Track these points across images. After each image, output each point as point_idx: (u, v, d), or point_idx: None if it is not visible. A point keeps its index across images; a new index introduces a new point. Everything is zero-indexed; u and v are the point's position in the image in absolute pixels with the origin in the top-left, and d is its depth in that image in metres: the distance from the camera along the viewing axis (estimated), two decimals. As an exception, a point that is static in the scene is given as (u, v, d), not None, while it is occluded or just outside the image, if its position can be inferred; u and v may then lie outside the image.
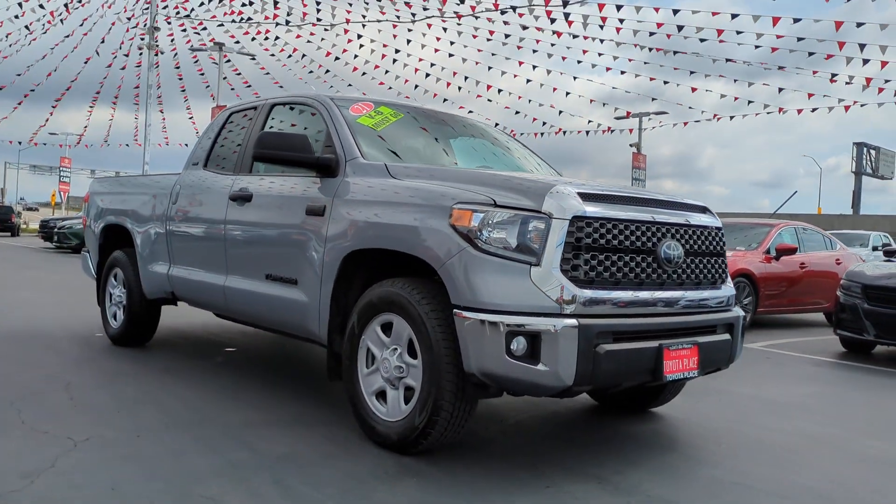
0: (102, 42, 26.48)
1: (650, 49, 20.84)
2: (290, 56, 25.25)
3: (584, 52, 21.61)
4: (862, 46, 16.71)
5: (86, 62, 26.78)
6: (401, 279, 3.64)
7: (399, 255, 3.68)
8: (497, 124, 5.62)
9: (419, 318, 3.42)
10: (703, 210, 4.03)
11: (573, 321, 3.18)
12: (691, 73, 21.32)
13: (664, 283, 3.61)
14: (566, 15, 18.67)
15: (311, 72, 25.42)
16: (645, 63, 21.76)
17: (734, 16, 18.02)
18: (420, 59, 23.42)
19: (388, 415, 3.62)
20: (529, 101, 26.35)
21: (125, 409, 4.16)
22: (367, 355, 3.78)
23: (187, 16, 25.87)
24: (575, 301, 3.23)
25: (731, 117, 27.84)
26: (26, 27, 24.53)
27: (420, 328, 3.41)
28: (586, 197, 3.42)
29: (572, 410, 4.61)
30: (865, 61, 16.76)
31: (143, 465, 3.25)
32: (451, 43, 24.60)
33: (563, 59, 33.63)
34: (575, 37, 21.07)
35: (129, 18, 26.16)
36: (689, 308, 3.72)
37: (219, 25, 25.91)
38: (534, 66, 24.43)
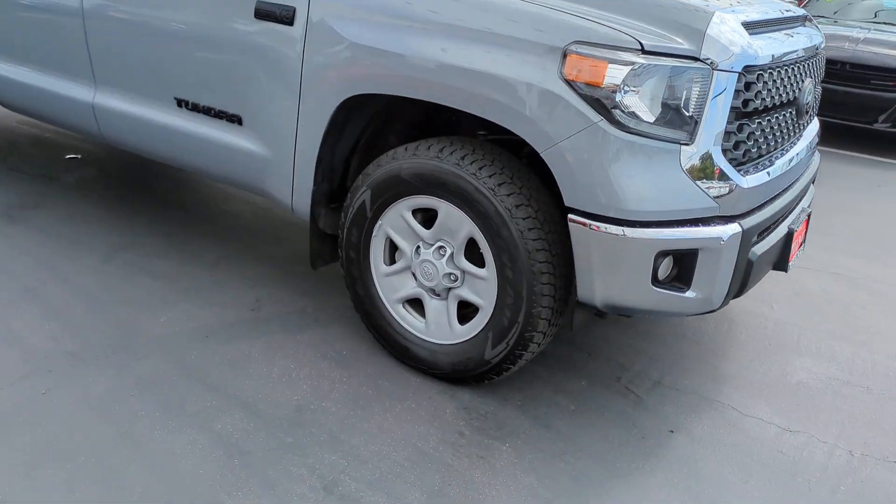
0: None
1: None
2: None
3: None
4: None
5: None
6: (450, 142, 2.39)
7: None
8: None
9: (497, 215, 2.27)
10: (807, 19, 3.01)
11: (735, 226, 2.23)
12: None
13: (792, 141, 2.70)
14: None
15: None
16: None
17: None
18: None
19: (430, 334, 2.59)
20: None
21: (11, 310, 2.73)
22: (386, 247, 2.62)
23: None
24: (736, 194, 2.24)
25: None
26: None
27: (497, 230, 2.29)
28: (750, 28, 2.29)
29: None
30: None
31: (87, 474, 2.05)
32: None
33: None
34: None
35: None
36: (804, 164, 2.86)
37: None
38: None
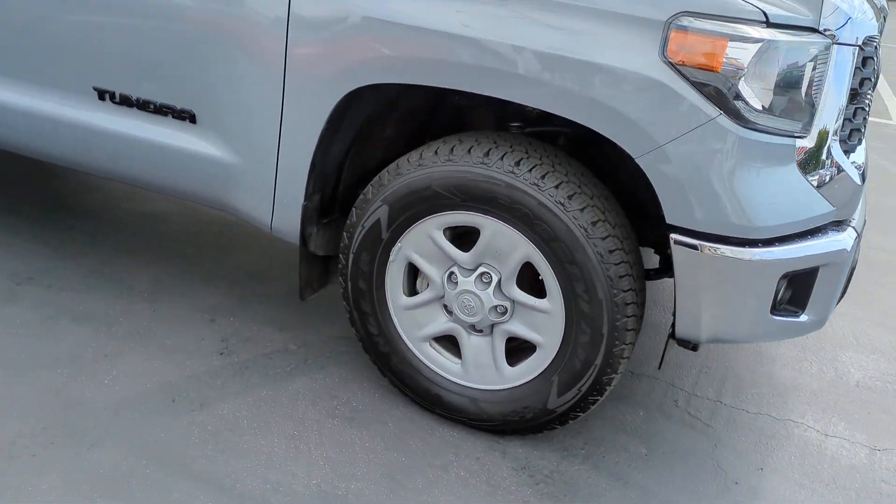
0: None
1: None
2: None
3: None
4: None
5: None
6: (495, 143, 1.86)
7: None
8: None
9: (569, 236, 1.79)
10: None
11: (852, 232, 1.86)
12: None
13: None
14: None
15: None
16: None
17: None
18: None
19: (469, 378, 2.08)
20: None
21: None
22: (405, 274, 2.07)
23: None
24: (851, 193, 1.87)
25: None
26: None
27: (569, 254, 1.80)
28: (857, -9, 1.89)
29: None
30: None
31: None
32: None
33: None
34: None
35: None
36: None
37: None
38: None
